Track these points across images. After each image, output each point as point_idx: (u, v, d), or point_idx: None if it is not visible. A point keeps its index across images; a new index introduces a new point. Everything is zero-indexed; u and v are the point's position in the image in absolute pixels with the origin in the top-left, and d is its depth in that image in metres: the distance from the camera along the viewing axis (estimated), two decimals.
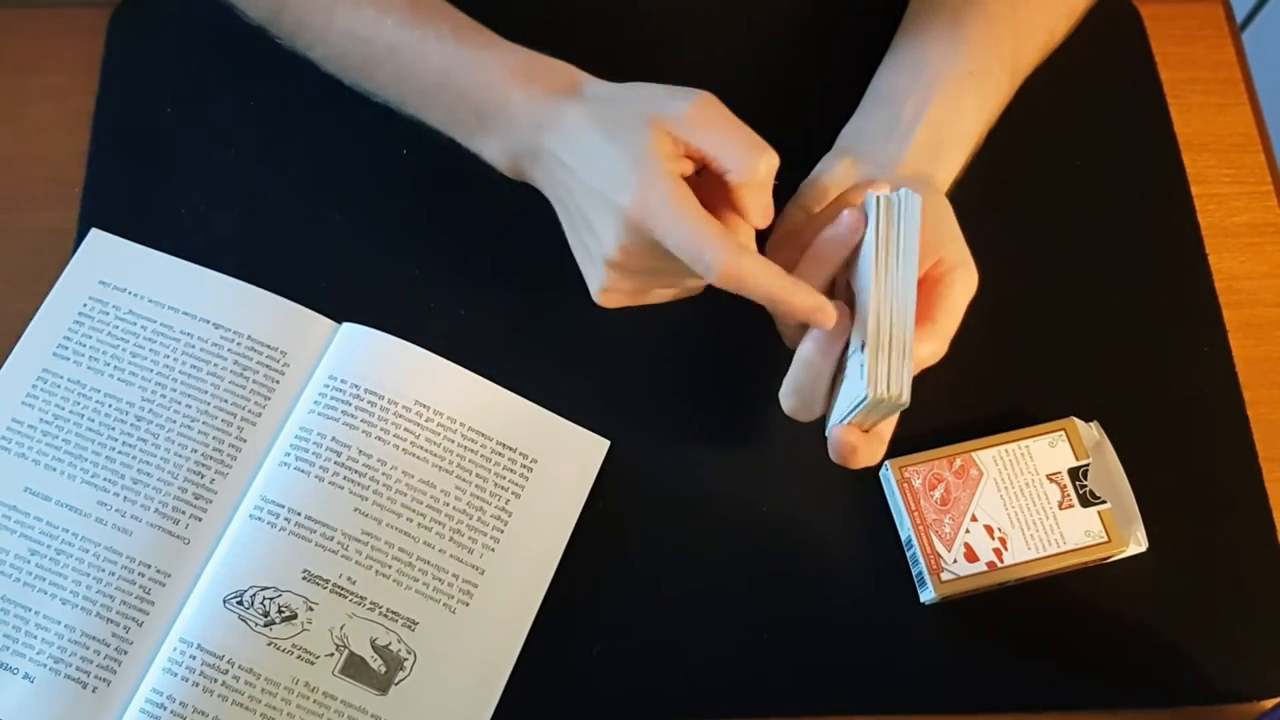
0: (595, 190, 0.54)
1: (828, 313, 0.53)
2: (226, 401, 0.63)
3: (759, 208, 0.55)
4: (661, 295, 0.59)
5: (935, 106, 0.62)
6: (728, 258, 0.52)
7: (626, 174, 0.53)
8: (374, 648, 0.59)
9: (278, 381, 0.64)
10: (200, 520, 0.61)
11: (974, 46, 0.63)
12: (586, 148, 0.55)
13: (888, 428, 0.58)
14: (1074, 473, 0.62)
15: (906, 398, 0.53)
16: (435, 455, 0.63)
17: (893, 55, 0.65)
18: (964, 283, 0.57)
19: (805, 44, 0.74)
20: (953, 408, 0.65)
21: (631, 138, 0.53)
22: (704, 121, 0.54)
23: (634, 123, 0.54)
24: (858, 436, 0.56)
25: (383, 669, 0.59)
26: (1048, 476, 0.62)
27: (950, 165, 0.62)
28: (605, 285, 0.57)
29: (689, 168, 0.55)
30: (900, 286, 0.53)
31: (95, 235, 0.67)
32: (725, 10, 0.74)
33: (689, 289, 0.59)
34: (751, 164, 0.53)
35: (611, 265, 0.55)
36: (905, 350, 0.53)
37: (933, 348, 0.56)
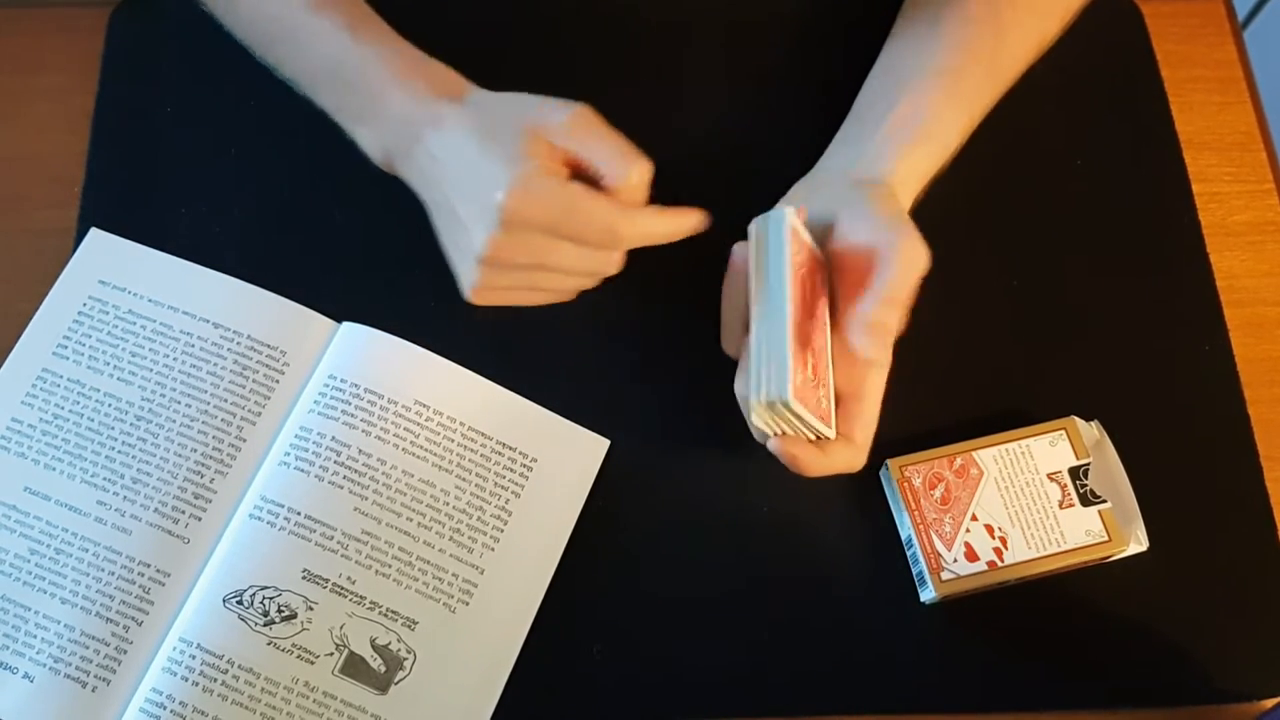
0: (469, 188, 0.56)
1: (698, 215, 0.56)
2: (226, 401, 0.63)
3: None
4: (531, 297, 0.60)
5: (902, 105, 0.63)
6: (635, 168, 0.55)
7: (499, 173, 0.54)
8: (374, 647, 0.59)
9: (277, 381, 0.64)
10: (200, 520, 0.61)
11: (948, 47, 0.64)
12: (462, 148, 0.56)
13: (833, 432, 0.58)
14: (1074, 472, 0.62)
15: (787, 404, 0.54)
16: (435, 455, 0.63)
17: (875, 66, 0.67)
18: (901, 258, 0.57)
19: (807, 55, 0.74)
20: (953, 407, 0.65)
21: (507, 139, 0.55)
22: (579, 130, 0.56)
23: (510, 127, 0.56)
24: (793, 444, 0.57)
25: (382, 668, 0.59)
26: (1048, 476, 0.62)
27: (915, 160, 0.62)
28: (477, 283, 0.57)
29: (564, 173, 0.56)
30: (772, 299, 0.55)
31: (95, 235, 0.67)
32: (724, 14, 0.74)
33: (560, 290, 0.60)
34: (624, 169, 0.56)
35: (483, 261, 0.56)
36: (782, 359, 0.54)
37: (878, 312, 0.56)
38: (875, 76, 0.66)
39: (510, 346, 0.66)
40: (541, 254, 0.56)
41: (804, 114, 0.68)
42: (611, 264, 0.58)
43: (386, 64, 0.60)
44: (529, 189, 0.54)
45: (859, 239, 0.58)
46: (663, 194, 0.57)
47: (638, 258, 0.58)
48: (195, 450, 0.62)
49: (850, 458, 0.58)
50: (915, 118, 0.63)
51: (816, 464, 0.58)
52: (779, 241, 0.56)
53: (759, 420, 0.56)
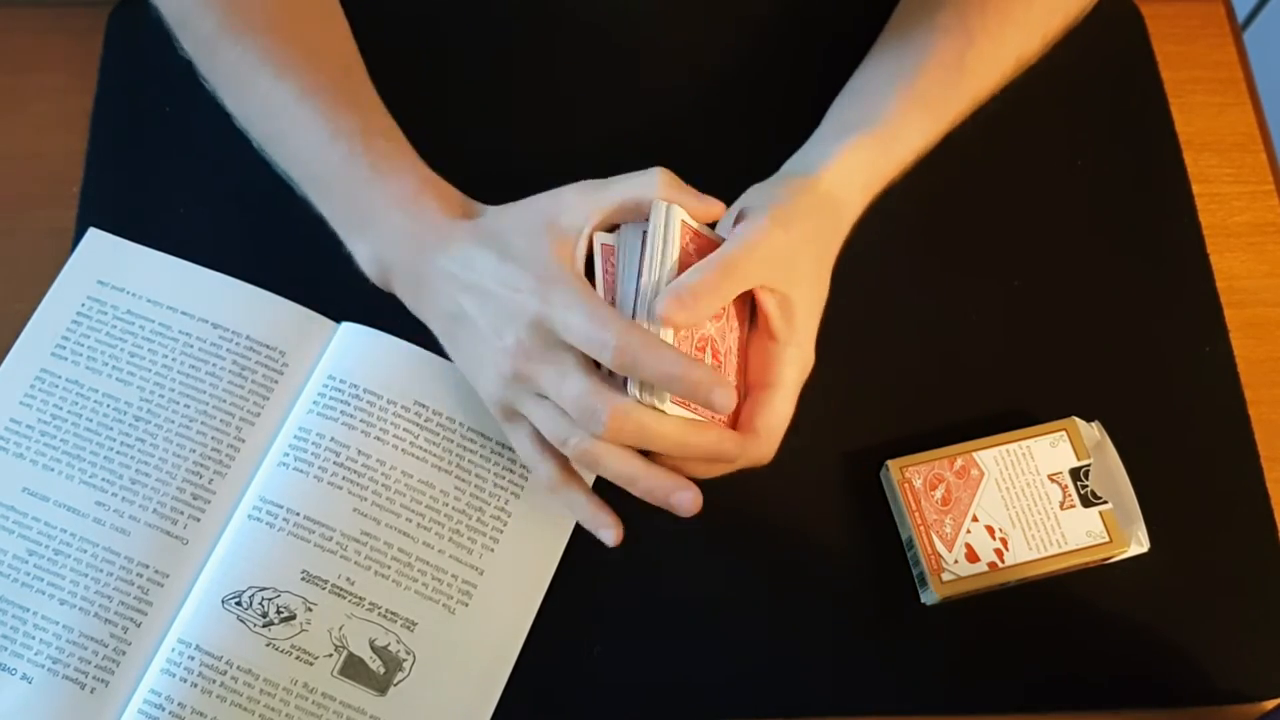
0: (496, 296, 0.55)
1: (729, 391, 0.53)
2: (225, 401, 0.63)
3: None
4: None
5: (854, 108, 0.63)
6: (622, 334, 0.52)
7: (525, 276, 0.54)
8: (373, 648, 0.59)
9: (276, 381, 0.64)
10: (199, 520, 0.61)
11: (912, 53, 0.64)
12: (482, 258, 0.56)
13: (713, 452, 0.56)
14: (1075, 473, 0.62)
15: (662, 401, 0.53)
16: (434, 455, 0.63)
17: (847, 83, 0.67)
18: (747, 237, 0.55)
19: (795, 61, 0.74)
20: (953, 408, 0.65)
21: (530, 245, 0.55)
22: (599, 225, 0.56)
23: (531, 233, 0.55)
24: (678, 470, 0.56)
25: (382, 670, 0.59)
26: (1049, 476, 0.62)
27: (859, 157, 0.61)
28: (501, 399, 0.57)
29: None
30: (655, 295, 0.54)
31: (93, 235, 0.67)
32: (713, 13, 0.74)
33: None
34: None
35: (510, 375, 0.55)
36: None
37: (699, 278, 0.53)
38: (844, 91, 0.66)
39: None
40: (561, 357, 0.54)
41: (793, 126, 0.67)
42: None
43: (391, 188, 0.59)
44: (553, 294, 0.53)
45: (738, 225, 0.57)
46: None
47: None
48: (194, 451, 0.62)
49: (753, 451, 0.56)
50: (864, 118, 0.62)
51: (714, 469, 0.56)
52: (670, 235, 0.55)
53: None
